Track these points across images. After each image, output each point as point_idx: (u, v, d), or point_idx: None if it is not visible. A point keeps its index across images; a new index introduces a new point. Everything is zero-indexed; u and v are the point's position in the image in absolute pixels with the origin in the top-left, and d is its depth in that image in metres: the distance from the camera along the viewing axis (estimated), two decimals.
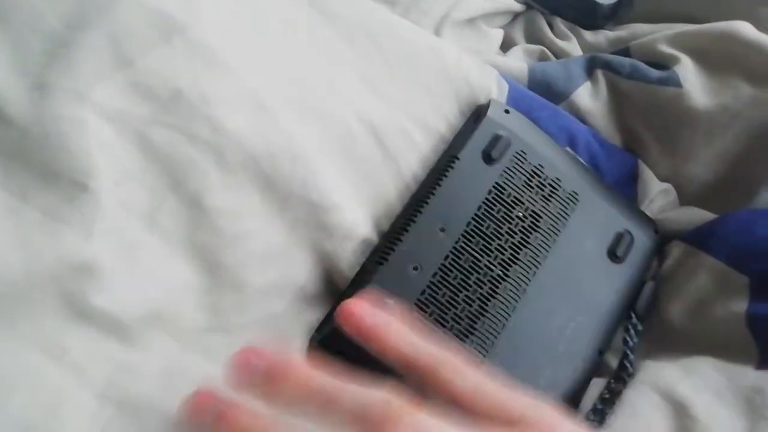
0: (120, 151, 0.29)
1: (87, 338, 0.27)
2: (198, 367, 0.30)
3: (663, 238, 0.40)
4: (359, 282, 0.35)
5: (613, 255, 0.37)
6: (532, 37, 0.52)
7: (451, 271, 0.33)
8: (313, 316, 0.35)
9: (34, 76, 0.28)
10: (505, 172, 0.36)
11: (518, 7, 0.52)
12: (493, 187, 0.35)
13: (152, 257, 0.30)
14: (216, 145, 0.31)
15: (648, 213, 0.42)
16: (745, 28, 0.42)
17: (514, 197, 0.35)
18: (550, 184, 0.36)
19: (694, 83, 0.41)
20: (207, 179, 0.31)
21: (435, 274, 0.33)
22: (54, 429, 0.26)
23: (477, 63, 0.42)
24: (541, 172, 0.37)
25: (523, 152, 0.37)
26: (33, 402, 0.26)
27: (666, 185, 0.43)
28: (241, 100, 0.32)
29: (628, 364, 0.34)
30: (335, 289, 0.36)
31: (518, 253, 0.34)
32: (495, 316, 0.33)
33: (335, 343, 0.32)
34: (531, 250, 0.35)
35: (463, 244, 0.34)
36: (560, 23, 0.52)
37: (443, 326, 0.33)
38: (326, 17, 0.38)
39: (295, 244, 0.34)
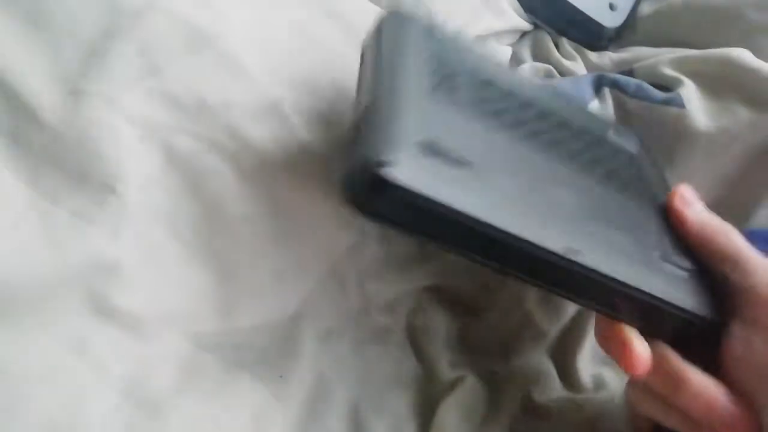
0: (145, 157, 0.30)
1: (109, 336, 0.28)
2: (210, 367, 0.31)
3: None
4: None
5: None
6: (539, 55, 0.53)
7: None
8: (324, 324, 0.36)
9: (69, 82, 0.29)
10: None
11: (526, 26, 0.54)
12: None
13: (172, 260, 0.31)
14: (236, 153, 0.32)
15: None
16: (744, 55, 0.43)
17: None
18: None
19: (696, 105, 0.43)
20: (226, 186, 0.32)
21: None
22: (77, 425, 0.26)
23: None
24: None
25: None
26: (56, 398, 0.26)
27: None
28: (263, 109, 0.33)
29: None
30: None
31: None
32: None
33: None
34: None
35: None
36: (566, 43, 0.54)
37: None
38: (342, 28, 0.39)
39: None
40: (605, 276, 0.27)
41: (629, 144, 0.38)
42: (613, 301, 0.29)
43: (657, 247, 0.31)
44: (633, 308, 0.29)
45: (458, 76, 0.32)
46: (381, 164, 0.24)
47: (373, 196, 0.24)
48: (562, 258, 0.26)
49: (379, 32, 0.33)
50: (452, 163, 0.26)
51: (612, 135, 0.37)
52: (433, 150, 0.25)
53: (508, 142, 0.30)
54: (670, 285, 0.29)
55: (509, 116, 0.32)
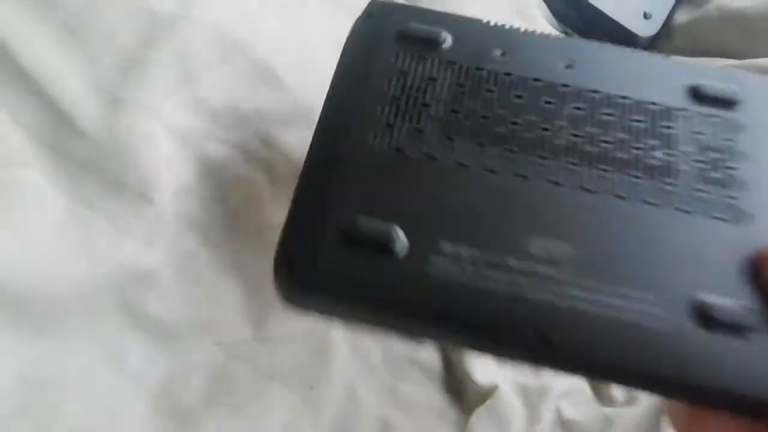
0: (180, 164, 0.30)
1: (143, 345, 0.28)
2: (242, 377, 0.31)
3: None
4: None
5: None
6: None
7: None
8: (355, 335, 0.35)
9: (108, 92, 0.29)
10: None
11: (557, 34, 0.53)
12: None
13: (204, 268, 0.31)
14: (268, 160, 0.32)
15: None
16: None
17: None
18: None
19: None
20: (258, 194, 0.32)
21: None
22: None
23: None
24: None
25: None
26: (91, 407, 0.26)
27: None
28: (295, 117, 0.33)
29: None
30: None
31: None
32: None
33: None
34: None
35: None
36: None
37: None
38: None
39: None
40: (593, 366, 0.21)
41: (730, 107, 0.25)
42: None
43: (693, 297, 0.21)
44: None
45: (429, 87, 0.25)
46: (291, 264, 0.21)
47: (287, 294, 0.22)
48: (527, 349, 0.21)
49: (349, 39, 0.27)
50: (376, 249, 0.21)
51: (691, 101, 0.25)
52: (352, 239, 0.21)
53: (477, 180, 0.23)
54: (706, 359, 0.20)
55: (494, 132, 0.24)
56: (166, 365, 0.29)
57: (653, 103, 0.25)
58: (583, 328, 0.20)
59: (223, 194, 0.31)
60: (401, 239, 0.21)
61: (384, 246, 0.21)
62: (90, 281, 0.27)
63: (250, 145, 0.32)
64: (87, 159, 0.28)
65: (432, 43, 0.26)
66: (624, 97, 0.25)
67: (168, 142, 0.30)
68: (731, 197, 0.23)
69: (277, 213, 0.33)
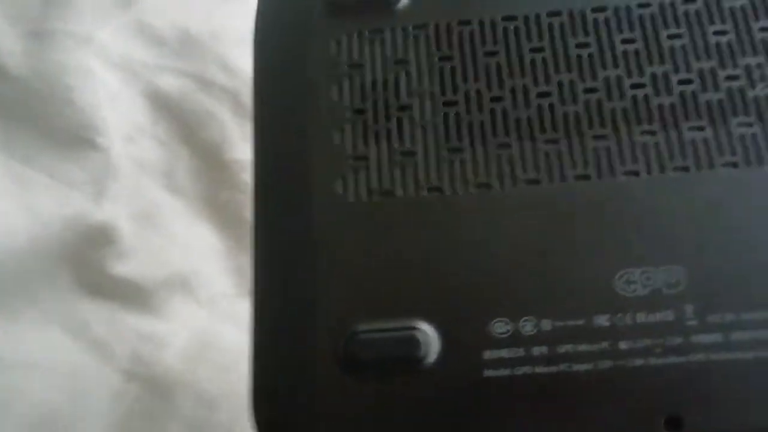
0: (128, 103, 0.28)
1: (108, 310, 0.27)
2: (229, 335, 0.29)
3: None
4: None
5: None
6: None
7: None
8: None
9: (31, 23, 0.27)
10: None
11: None
12: None
13: (172, 218, 0.29)
14: (231, 89, 0.30)
15: None
16: None
17: None
18: None
19: None
20: (224, 129, 0.30)
21: None
22: (77, 411, 0.25)
23: None
24: None
25: None
26: (55, 386, 0.25)
27: None
28: None
29: None
30: None
31: None
32: None
33: None
34: None
35: None
36: None
37: None
38: None
39: None
40: None
41: None
42: None
43: None
44: None
45: (400, 77, 0.17)
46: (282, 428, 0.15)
47: None
48: None
49: (257, 36, 0.19)
50: (396, 364, 0.14)
51: None
52: (358, 363, 0.14)
53: (513, 205, 0.16)
54: None
55: (517, 118, 0.16)
56: (136, 330, 0.27)
57: None
58: (734, 389, 0.14)
59: (183, 133, 0.29)
60: (430, 337, 0.14)
61: (407, 357, 0.14)
62: (36, 246, 0.26)
63: (208, 74, 0.30)
64: (15, 104, 0.27)
65: (382, 4, 0.18)
66: (689, 0, 0.17)
67: (110, 77, 0.28)
68: None
69: (248, 148, 0.30)
